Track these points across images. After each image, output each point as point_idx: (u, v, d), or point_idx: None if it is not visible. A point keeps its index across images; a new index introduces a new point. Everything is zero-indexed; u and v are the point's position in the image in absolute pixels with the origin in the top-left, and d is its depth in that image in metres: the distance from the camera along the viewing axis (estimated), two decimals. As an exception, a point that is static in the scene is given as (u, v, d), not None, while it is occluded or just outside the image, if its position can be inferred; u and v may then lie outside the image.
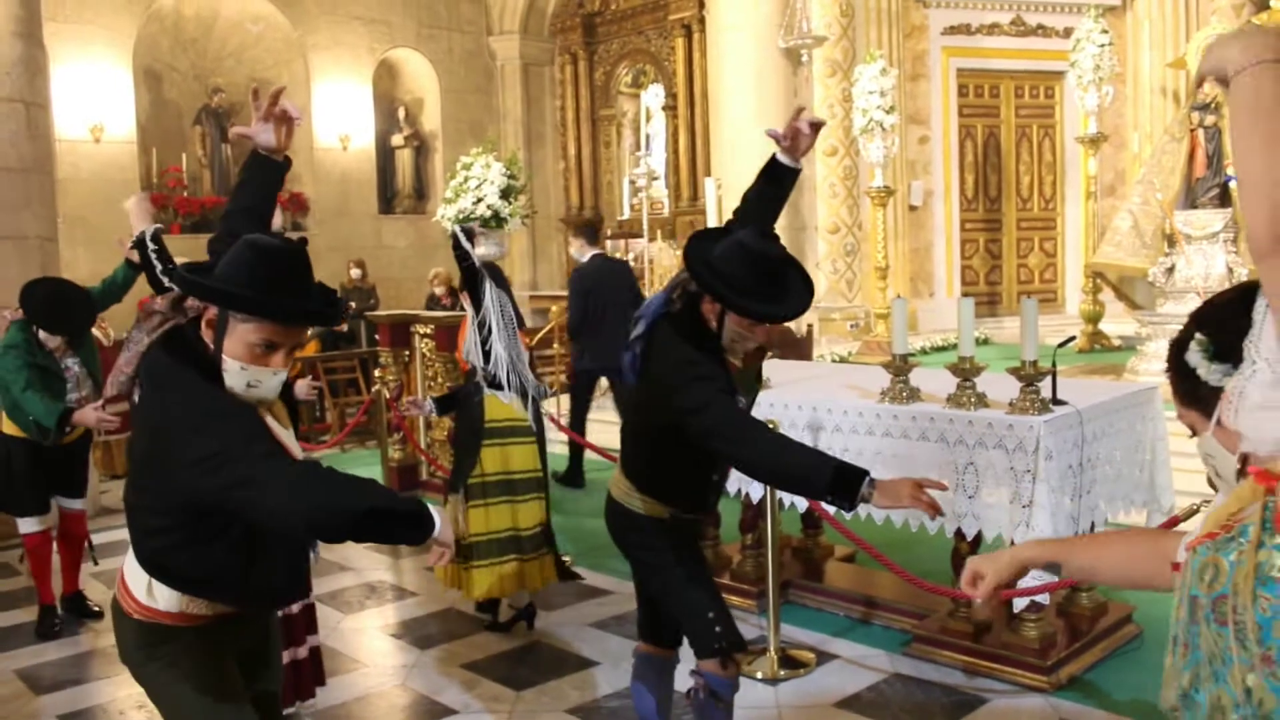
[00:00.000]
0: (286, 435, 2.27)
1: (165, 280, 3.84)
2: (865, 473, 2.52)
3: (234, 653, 2.33)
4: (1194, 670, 1.41)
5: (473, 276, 4.74)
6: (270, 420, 2.22)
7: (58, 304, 5.04)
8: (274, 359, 2.13)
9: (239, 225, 2.35)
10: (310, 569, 2.46)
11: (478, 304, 4.72)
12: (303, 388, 5.27)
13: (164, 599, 2.21)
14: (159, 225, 4.01)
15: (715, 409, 2.66)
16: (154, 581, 2.20)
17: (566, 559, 5.97)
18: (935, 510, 2.51)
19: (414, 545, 2.10)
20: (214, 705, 2.25)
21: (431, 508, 2.08)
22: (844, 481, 2.52)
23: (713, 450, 2.79)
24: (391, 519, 2.02)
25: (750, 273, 2.70)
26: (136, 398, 2.18)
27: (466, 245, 4.71)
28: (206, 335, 2.16)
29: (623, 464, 3.07)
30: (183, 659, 2.24)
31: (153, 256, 3.87)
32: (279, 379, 2.16)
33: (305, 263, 2.17)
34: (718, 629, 2.91)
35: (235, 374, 2.11)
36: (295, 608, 3.90)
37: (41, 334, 5.07)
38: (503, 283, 4.92)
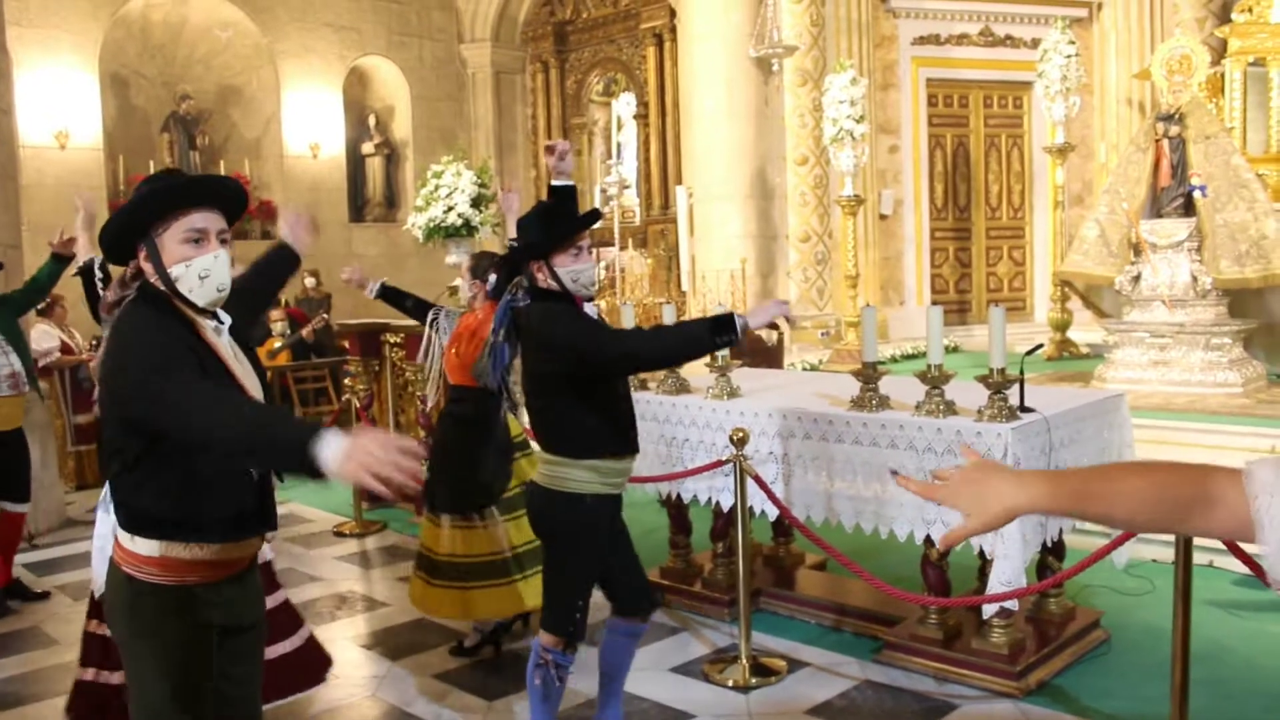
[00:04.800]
0: (242, 370, 2.41)
1: (104, 316, 3.83)
2: (732, 313, 3.15)
3: (216, 624, 2.38)
4: None
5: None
6: (230, 359, 2.38)
7: None
8: (207, 246, 2.33)
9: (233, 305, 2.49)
10: (274, 497, 2.49)
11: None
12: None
13: (143, 544, 2.31)
14: None
15: (605, 332, 3.31)
16: (134, 537, 2.32)
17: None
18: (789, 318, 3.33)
19: (311, 477, 1.96)
20: (173, 690, 2.31)
21: (328, 435, 1.91)
22: (721, 325, 3.13)
23: (625, 361, 3.33)
24: (263, 451, 2.07)
25: (538, 223, 3.37)
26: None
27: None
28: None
29: (546, 446, 3.40)
30: (160, 628, 2.31)
31: (99, 285, 3.86)
32: (221, 261, 2.34)
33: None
34: (578, 617, 3.42)
35: (187, 276, 2.30)
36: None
37: None
38: None
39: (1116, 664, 4.34)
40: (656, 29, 13.34)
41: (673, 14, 12.60)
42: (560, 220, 3.38)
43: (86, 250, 4.05)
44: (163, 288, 2.32)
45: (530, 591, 4.56)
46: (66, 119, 11.74)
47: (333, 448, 1.88)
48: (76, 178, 11.64)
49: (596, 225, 3.83)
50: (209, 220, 2.33)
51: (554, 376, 3.34)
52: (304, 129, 13.70)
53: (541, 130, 15.02)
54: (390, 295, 5.12)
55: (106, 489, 3.82)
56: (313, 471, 1.91)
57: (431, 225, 7.92)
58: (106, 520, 3.76)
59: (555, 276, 3.32)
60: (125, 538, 2.34)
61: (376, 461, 1.85)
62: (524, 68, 15.36)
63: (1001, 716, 3.93)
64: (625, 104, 14.41)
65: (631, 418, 3.48)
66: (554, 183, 3.68)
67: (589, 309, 3.42)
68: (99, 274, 3.89)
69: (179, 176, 2.43)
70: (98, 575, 3.80)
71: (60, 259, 5.39)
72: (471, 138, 15.09)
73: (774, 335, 9.24)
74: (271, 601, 3.96)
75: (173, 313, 2.30)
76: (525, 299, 3.39)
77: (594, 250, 3.51)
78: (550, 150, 3.65)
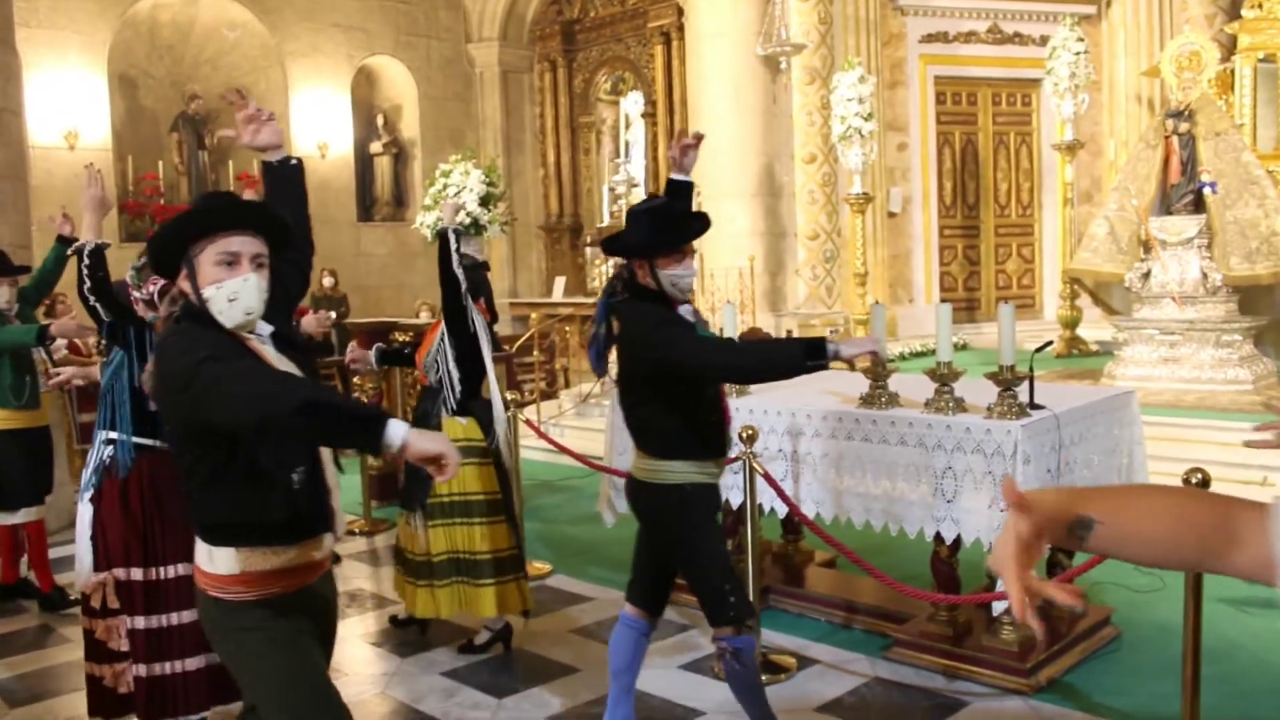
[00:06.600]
0: (284, 364, 2.43)
1: (90, 299, 3.84)
2: (824, 339, 3.11)
3: (309, 628, 2.46)
4: None
5: (457, 295, 4.56)
6: (277, 364, 2.39)
7: None
8: (239, 269, 2.35)
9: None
10: (331, 495, 2.51)
11: (459, 327, 4.58)
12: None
13: (221, 561, 2.37)
14: (104, 243, 4.00)
15: (690, 340, 3.25)
16: (211, 549, 2.38)
17: (543, 566, 5.96)
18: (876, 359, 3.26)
19: (368, 451, 2.10)
20: (298, 671, 2.39)
21: (395, 421, 2.04)
22: (814, 350, 3.09)
23: (705, 372, 3.27)
24: (334, 415, 2.06)
25: (647, 224, 3.31)
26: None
27: (455, 263, 4.54)
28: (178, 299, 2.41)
29: (638, 445, 3.44)
30: (259, 628, 2.38)
31: (83, 272, 3.86)
32: (251, 284, 2.34)
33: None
34: (731, 599, 3.34)
35: (217, 298, 2.32)
36: None
37: None
38: (485, 288, 4.83)
39: (1127, 661, 4.33)
40: (664, 27, 13.34)
41: (680, 12, 12.59)
42: (671, 227, 3.33)
43: (90, 232, 4.04)
44: (198, 306, 2.35)
45: (446, 601, 4.59)
46: (75, 119, 11.79)
47: (401, 425, 2.03)
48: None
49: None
50: (245, 244, 2.34)
51: (640, 377, 3.37)
52: (312, 129, 13.73)
53: (549, 129, 15.03)
54: (389, 356, 5.09)
55: (85, 479, 3.90)
56: (376, 442, 2.02)
57: (440, 224, 7.94)
58: (87, 511, 3.84)
59: (655, 277, 3.30)
60: (205, 559, 2.40)
61: (437, 443, 2.05)
62: (532, 67, 15.37)
63: (1012, 714, 3.92)
64: (633, 102, 14.42)
65: (720, 422, 3.45)
66: (673, 176, 3.64)
67: (685, 310, 3.38)
68: (85, 261, 3.88)
69: (221, 198, 2.44)
70: (82, 569, 3.86)
71: (65, 240, 5.40)
72: (479, 137, 15.11)
73: (783, 333, 9.22)
74: None
75: (215, 326, 2.33)
76: (624, 294, 3.39)
77: (695, 254, 3.42)
78: (685, 148, 3.58)
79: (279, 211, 2.50)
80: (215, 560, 2.37)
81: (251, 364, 2.29)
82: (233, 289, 2.31)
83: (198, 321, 2.33)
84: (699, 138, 3.66)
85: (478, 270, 4.78)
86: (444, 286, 4.60)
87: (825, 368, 3.13)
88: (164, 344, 2.32)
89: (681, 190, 3.63)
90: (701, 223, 3.44)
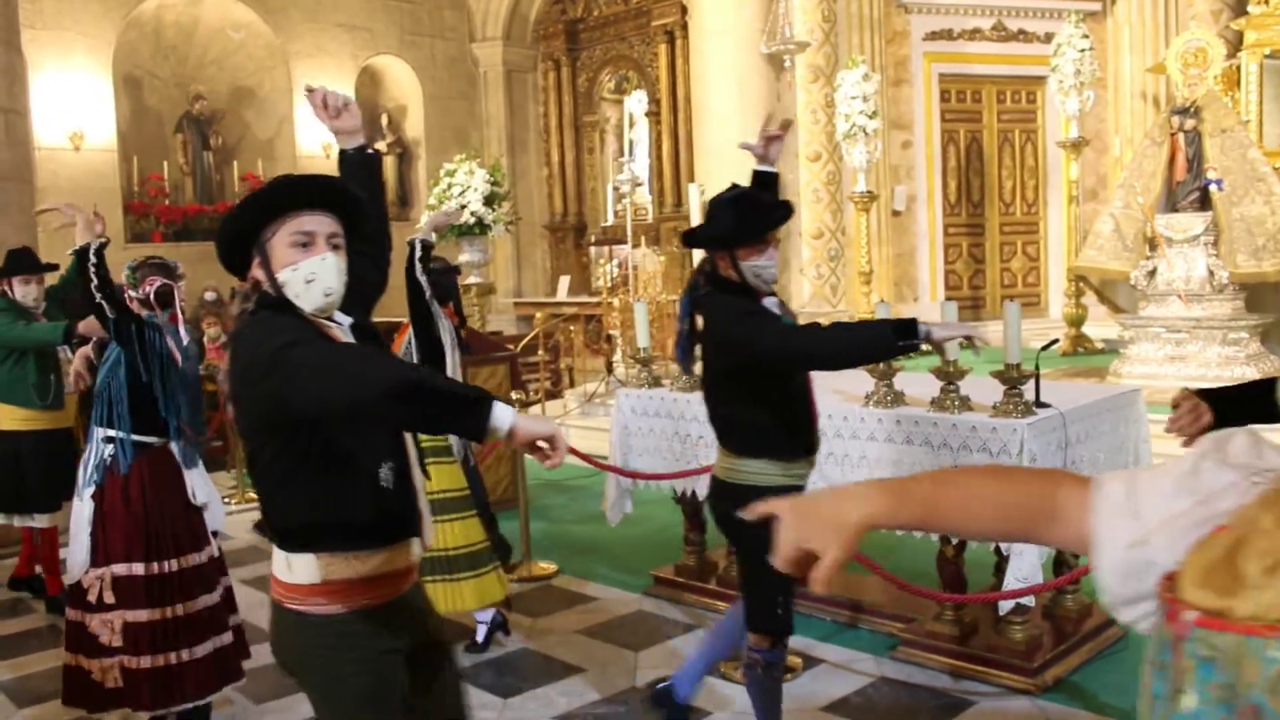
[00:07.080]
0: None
1: (97, 296, 3.86)
2: (915, 319, 2.95)
3: (399, 649, 2.28)
4: None
5: (421, 299, 4.60)
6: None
7: (17, 252, 5.49)
8: (314, 249, 2.21)
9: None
10: (420, 495, 2.34)
11: (426, 333, 4.63)
12: None
13: (301, 569, 2.19)
14: (104, 239, 4.04)
15: (777, 330, 3.15)
16: (289, 556, 2.20)
17: (549, 566, 5.96)
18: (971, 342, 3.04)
19: (471, 436, 1.93)
20: (373, 702, 2.22)
21: (501, 403, 1.87)
22: (903, 329, 2.93)
23: (794, 361, 3.21)
24: (433, 396, 1.89)
25: (730, 212, 3.22)
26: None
27: (418, 270, 4.59)
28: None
29: (721, 442, 3.39)
30: (345, 648, 2.20)
31: (91, 271, 3.89)
32: (329, 264, 2.21)
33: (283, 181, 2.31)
34: (780, 612, 3.31)
35: (293, 280, 2.18)
36: (217, 596, 4.02)
37: (17, 292, 5.38)
38: (454, 293, 4.85)
39: (1134, 660, 4.31)
40: (668, 26, 13.33)
41: (684, 11, 12.57)
42: (753, 215, 3.25)
43: (88, 232, 4.07)
44: (274, 294, 2.21)
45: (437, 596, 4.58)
46: (81, 120, 11.79)
47: (508, 408, 1.87)
48: (91, 179, 11.69)
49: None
50: (319, 223, 2.20)
51: (726, 372, 3.30)
52: (317, 129, 13.70)
53: (553, 128, 15.02)
54: None
55: (85, 476, 3.92)
56: (480, 426, 1.86)
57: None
58: (87, 508, 3.86)
59: (737, 268, 3.22)
60: (282, 568, 2.23)
61: (547, 425, 1.93)
62: (536, 66, 15.36)
63: (1018, 713, 3.91)
64: (637, 101, 14.40)
65: (809, 418, 3.37)
66: (759, 168, 3.58)
67: (770, 302, 3.29)
68: (93, 260, 3.92)
69: (288, 178, 2.30)
70: (75, 562, 3.88)
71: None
72: (484, 136, 15.11)
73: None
74: (218, 595, 4.06)
75: (294, 314, 2.19)
76: (706, 288, 3.31)
77: (778, 244, 3.31)
78: (771, 138, 3.51)
79: (352, 188, 2.35)
80: (294, 569, 2.19)
81: (337, 344, 2.15)
82: (310, 269, 2.17)
83: (276, 309, 2.18)
84: (787, 125, 3.55)
85: (446, 275, 4.85)
86: (407, 291, 4.67)
87: (916, 349, 3.01)
88: (239, 335, 2.19)
89: (768, 182, 3.55)
90: (785, 210, 3.32)
